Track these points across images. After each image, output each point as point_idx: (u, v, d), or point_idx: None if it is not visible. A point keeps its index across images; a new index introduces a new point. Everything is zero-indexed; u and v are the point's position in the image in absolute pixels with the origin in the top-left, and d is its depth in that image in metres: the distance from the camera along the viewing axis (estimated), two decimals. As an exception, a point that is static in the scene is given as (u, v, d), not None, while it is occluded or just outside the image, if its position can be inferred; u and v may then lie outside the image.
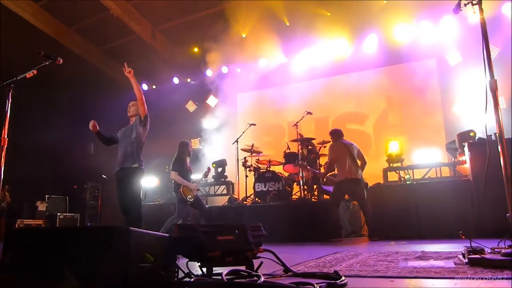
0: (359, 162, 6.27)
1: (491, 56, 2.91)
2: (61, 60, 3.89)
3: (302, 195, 7.13)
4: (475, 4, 2.43)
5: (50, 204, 10.27)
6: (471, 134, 6.64)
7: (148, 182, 8.60)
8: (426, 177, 7.51)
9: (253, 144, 8.16)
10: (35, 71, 3.72)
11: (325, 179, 7.34)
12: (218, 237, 2.02)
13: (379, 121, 9.54)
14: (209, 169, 7.05)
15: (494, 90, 2.25)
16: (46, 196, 10.29)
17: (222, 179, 8.88)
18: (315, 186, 7.54)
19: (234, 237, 2.05)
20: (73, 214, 10.61)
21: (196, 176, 7.10)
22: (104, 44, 11.63)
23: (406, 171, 7.53)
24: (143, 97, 4.97)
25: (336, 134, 6.44)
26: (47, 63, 3.80)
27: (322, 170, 7.39)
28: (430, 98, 8.89)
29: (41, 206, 9.90)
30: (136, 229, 1.72)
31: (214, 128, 10.63)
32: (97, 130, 4.98)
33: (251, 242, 2.08)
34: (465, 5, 2.39)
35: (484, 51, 2.74)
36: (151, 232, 1.88)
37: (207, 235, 1.99)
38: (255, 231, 2.19)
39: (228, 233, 2.07)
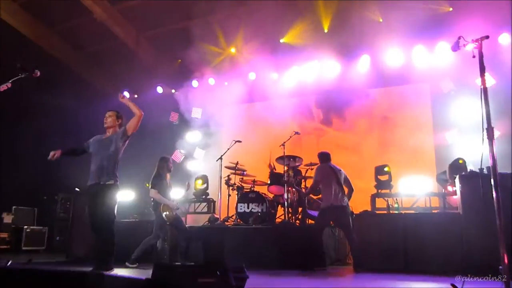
0: (345, 189, 6.27)
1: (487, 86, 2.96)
2: (38, 73, 3.85)
3: (286, 218, 7.10)
4: (475, 43, 2.47)
5: (17, 216, 10.00)
6: (460, 161, 6.77)
7: (124, 196, 8.45)
8: (415, 206, 7.60)
9: (237, 162, 8.13)
10: (9, 84, 3.66)
11: (311, 201, 7.35)
12: (199, 278, 1.97)
13: (368, 144, 9.62)
14: (188, 184, 7.00)
15: (491, 138, 2.26)
16: (13, 207, 10.02)
17: (204, 196, 8.81)
18: (299, 209, 7.53)
19: (215, 280, 2.00)
20: (41, 227, 10.33)
21: (176, 190, 7.02)
22: (85, 48, 11.50)
23: (394, 198, 7.61)
24: (142, 113, 5.15)
25: (324, 157, 6.45)
26: (23, 76, 3.74)
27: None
28: (422, 124, 9.04)
29: (7, 218, 9.64)
30: (110, 273, 1.65)
31: (197, 142, 10.58)
32: (59, 155, 5.01)
33: (233, 286, 2.04)
34: (464, 45, 2.44)
35: (482, 89, 2.78)
36: (126, 276, 1.82)
37: (186, 278, 1.94)
38: (238, 273, 2.15)
39: (209, 274, 2.02)
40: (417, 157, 8.87)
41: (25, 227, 9.91)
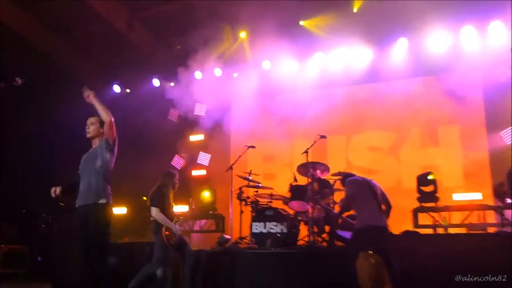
0: (383, 207, 6.17)
1: None
2: (20, 81, 3.81)
3: (311, 240, 7.03)
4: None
5: (-8, 233, 10.09)
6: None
7: (114, 211, 8.47)
8: (466, 222, 7.50)
9: (251, 170, 8.07)
10: None
11: (339, 221, 7.26)
12: None
13: (408, 146, 9.50)
14: (192, 201, 6.99)
15: None
16: (-11, 222, 10.13)
17: (211, 212, 8.79)
18: (327, 229, 7.46)
19: None
20: (21, 245, 10.41)
21: (176, 207, 7.00)
22: (66, 32, 11.46)
23: (440, 213, 7.52)
24: (112, 118, 4.93)
25: (346, 177, 6.35)
26: (1, 87, 3.70)
27: (337, 208, 7.30)
28: (472, 121, 8.86)
29: (-18, 235, 9.75)
30: None
31: (201, 145, 10.56)
32: (60, 192, 4.93)
33: None
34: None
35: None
36: None
37: None
38: None
39: None
40: (467, 162, 8.73)
41: (3, 246, 10.00)
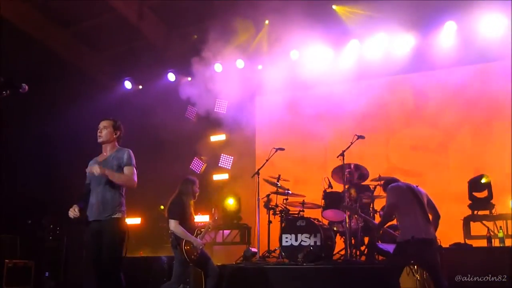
0: (430, 216, 6.16)
1: None
2: (27, 88, 3.96)
3: (349, 254, 7.09)
4: None
5: (-5, 247, 10.34)
6: None
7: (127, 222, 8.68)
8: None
9: (279, 175, 8.15)
10: None
11: (380, 232, 7.29)
12: None
13: (459, 145, 9.43)
14: (215, 211, 7.08)
15: None
16: (-10, 235, 10.37)
17: (236, 222, 8.91)
18: (366, 241, 7.50)
19: None
20: (26, 260, 10.66)
21: (198, 218, 7.14)
22: (72, 25, 11.70)
23: (496, 222, 7.48)
24: (135, 177, 5.12)
25: (392, 179, 6.36)
26: (6, 94, 3.85)
27: (378, 218, 7.34)
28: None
29: (-20, 249, 9.98)
30: None
31: (223, 146, 10.67)
32: (78, 212, 4.97)
33: None
34: None
35: None
36: None
37: None
38: None
39: None
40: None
41: (7, 261, 10.23)
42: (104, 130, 5.20)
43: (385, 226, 6.80)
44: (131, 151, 5.23)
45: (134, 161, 5.16)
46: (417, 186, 6.24)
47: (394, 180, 6.36)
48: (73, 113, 9.80)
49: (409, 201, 6.09)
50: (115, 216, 4.97)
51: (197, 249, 6.44)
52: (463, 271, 6.10)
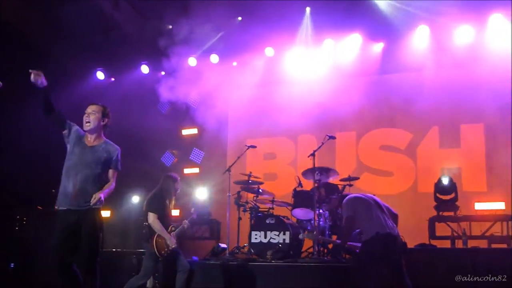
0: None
1: None
2: (1, 84, 3.95)
3: (316, 252, 7.20)
4: None
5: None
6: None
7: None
8: (487, 234, 7.69)
9: (251, 172, 8.23)
10: None
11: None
12: None
13: (426, 146, 9.61)
14: (194, 211, 7.12)
15: None
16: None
17: (205, 217, 8.96)
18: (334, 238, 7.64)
19: None
20: (-9, 250, 10.53)
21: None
22: (43, 11, 11.48)
23: (460, 224, 7.71)
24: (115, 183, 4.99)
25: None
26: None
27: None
28: (499, 118, 8.87)
29: None
30: None
31: (195, 140, 10.70)
32: (45, 85, 4.59)
33: None
34: None
35: None
36: None
37: None
38: None
39: None
40: (493, 164, 8.85)
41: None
42: (92, 115, 4.88)
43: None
44: (120, 152, 5.07)
45: (120, 166, 5.04)
46: (372, 196, 6.31)
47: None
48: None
49: (366, 205, 6.11)
50: (95, 206, 4.76)
51: (169, 246, 6.50)
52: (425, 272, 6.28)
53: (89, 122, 4.86)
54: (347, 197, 6.27)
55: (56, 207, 4.88)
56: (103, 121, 4.92)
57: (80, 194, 4.76)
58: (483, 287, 5.80)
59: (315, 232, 6.99)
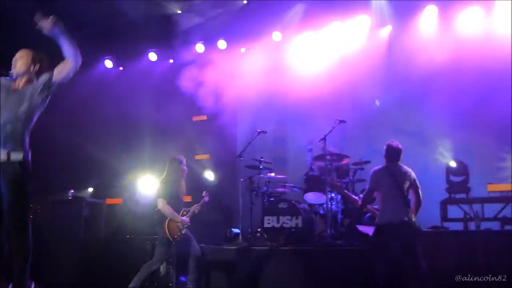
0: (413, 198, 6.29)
1: None
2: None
3: (329, 236, 7.30)
4: None
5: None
6: None
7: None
8: (500, 215, 7.71)
9: (262, 157, 8.29)
10: None
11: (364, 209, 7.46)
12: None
13: (438, 130, 9.38)
14: (205, 193, 7.22)
15: None
16: None
17: (218, 202, 9.04)
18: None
19: None
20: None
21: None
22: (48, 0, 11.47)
23: (472, 206, 7.73)
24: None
25: (389, 154, 6.40)
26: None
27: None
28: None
29: None
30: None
31: (204, 128, 10.72)
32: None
33: None
34: None
35: None
36: None
37: None
38: None
39: None
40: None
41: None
42: (19, 61, 4.41)
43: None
44: None
45: None
46: (402, 166, 6.27)
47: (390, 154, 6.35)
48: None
49: (387, 185, 6.20)
50: (19, 159, 4.20)
51: (181, 229, 6.61)
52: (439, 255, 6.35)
53: (15, 66, 4.42)
54: (375, 168, 6.33)
55: None
56: (33, 67, 4.45)
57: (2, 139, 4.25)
58: (483, 287, 5.89)
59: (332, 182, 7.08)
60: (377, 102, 9.50)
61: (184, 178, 6.96)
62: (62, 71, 4.33)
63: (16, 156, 4.14)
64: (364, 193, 6.54)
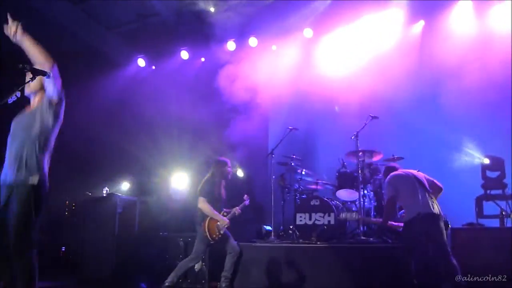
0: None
1: None
2: (51, 74, 4.03)
3: (362, 233, 7.27)
4: None
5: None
6: None
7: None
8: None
9: (294, 155, 8.33)
10: (18, 94, 3.86)
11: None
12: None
13: (471, 127, 9.30)
14: (247, 197, 7.33)
15: None
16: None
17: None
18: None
19: None
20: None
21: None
22: (80, 2, 11.62)
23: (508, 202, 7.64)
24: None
25: (388, 172, 6.47)
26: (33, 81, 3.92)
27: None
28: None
29: None
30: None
31: (236, 125, 10.79)
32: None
33: None
34: None
35: None
36: None
37: None
38: None
39: None
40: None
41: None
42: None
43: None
44: None
45: None
46: (414, 173, 6.28)
47: (393, 169, 6.44)
48: (87, 91, 9.86)
49: (408, 184, 6.17)
50: (30, 181, 4.04)
51: (220, 229, 6.72)
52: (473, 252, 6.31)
53: (28, 85, 4.18)
54: (389, 176, 6.32)
55: None
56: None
57: (14, 161, 4.17)
58: (483, 287, 5.85)
59: (354, 213, 7.03)
60: (337, 109, 9.77)
61: (227, 179, 7.06)
62: (48, 90, 4.12)
63: (32, 179, 4.00)
64: (386, 204, 6.42)
